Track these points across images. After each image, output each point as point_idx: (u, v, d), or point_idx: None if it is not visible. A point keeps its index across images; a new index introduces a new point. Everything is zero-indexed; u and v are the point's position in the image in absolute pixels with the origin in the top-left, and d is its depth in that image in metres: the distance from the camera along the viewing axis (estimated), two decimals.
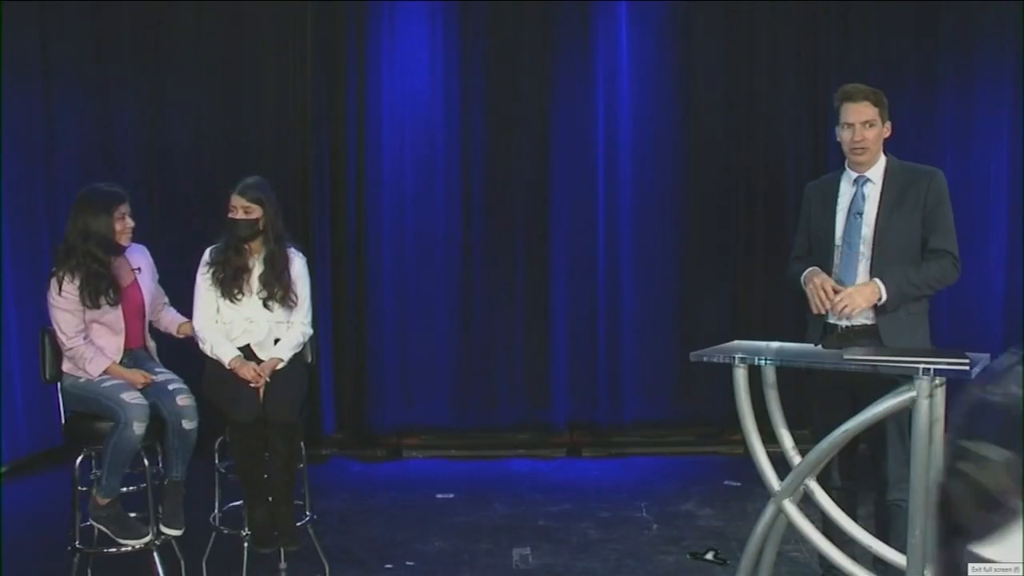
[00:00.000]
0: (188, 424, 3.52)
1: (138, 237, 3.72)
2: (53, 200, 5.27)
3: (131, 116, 5.50)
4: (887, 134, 3.20)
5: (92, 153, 5.42)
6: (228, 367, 3.61)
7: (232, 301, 3.69)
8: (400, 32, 5.61)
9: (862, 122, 3.14)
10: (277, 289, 3.70)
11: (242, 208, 3.66)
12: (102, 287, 3.50)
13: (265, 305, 3.71)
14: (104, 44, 5.46)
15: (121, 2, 5.40)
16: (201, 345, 3.69)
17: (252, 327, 3.71)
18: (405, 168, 5.64)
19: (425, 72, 5.62)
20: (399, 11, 5.62)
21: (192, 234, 4.81)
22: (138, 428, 3.39)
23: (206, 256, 3.74)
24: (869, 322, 3.17)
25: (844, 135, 3.18)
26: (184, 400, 3.53)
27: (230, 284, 3.68)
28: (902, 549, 2.83)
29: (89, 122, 5.45)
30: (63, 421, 3.62)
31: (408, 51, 5.62)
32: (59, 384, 3.60)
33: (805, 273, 3.22)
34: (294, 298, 3.75)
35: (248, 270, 3.71)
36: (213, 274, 3.70)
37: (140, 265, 3.72)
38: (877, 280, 3.07)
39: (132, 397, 3.43)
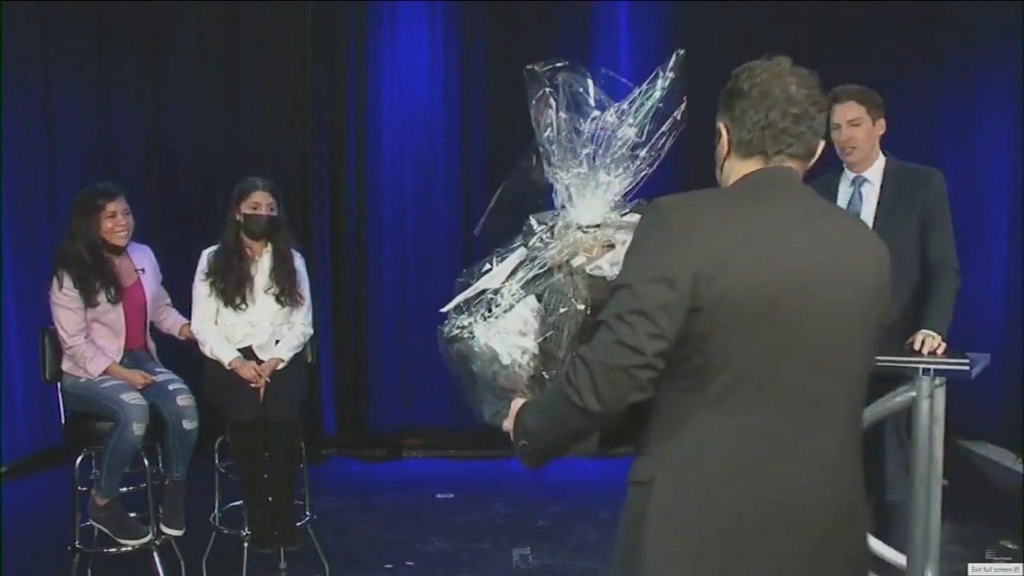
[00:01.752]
0: (188, 424, 3.52)
1: (138, 237, 3.73)
2: (53, 200, 5.27)
3: (131, 116, 5.50)
4: (880, 132, 3.20)
5: (92, 153, 5.42)
6: (228, 367, 3.61)
7: (235, 310, 3.69)
8: (400, 32, 5.61)
9: (848, 121, 3.16)
10: (288, 285, 3.72)
11: (266, 204, 3.69)
12: (97, 285, 3.50)
13: (277, 300, 3.71)
14: (104, 44, 5.45)
15: (121, 2, 5.40)
16: (201, 347, 3.69)
17: (254, 331, 3.72)
18: (405, 168, 5.64)
19: (425, 72, 5.62)
20: (399, 11, 5.62)
21: (192, 234, 4.81)
22: (137, 429, 3.39)
23: (203, 263, 3.73)
24: None
25: (833, 136, 3.21)
26: (184, 400, 3.53)
27: (232, 293, 3.67)
28: (901, 549, 2.83)
29: (89, 122, 5.44)
30: (63, 421, 3.62)
31: (408, 51, 5.61)
32: (59, 384, 3.61)
33: None
34: (300, 296, 3.76)
35: (251, 278, 3.71)
36: (212, 284, 3.69)
37: (144, 266, 3.73)
38: (930, 332, 2.92)
39: (132, 397, 3.43)
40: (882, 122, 3.20)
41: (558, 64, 1.83)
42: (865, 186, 3.22)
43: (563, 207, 1.85)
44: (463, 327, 1.85)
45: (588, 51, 5.58)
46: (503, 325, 1.78)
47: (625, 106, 1.82)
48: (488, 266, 1.89)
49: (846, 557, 1.60)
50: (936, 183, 3.17)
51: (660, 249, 1.51)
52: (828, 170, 3.41)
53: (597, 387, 1.48)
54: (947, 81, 5.56)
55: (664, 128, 1.82)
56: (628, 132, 1.80)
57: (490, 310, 1.81)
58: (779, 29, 5.50)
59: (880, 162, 3.23)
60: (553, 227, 1.85)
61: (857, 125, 3.16)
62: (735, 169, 1.68)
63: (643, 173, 1.84)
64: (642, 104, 1.82)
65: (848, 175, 3.26)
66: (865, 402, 1.67)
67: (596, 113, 1.81)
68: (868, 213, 3.19)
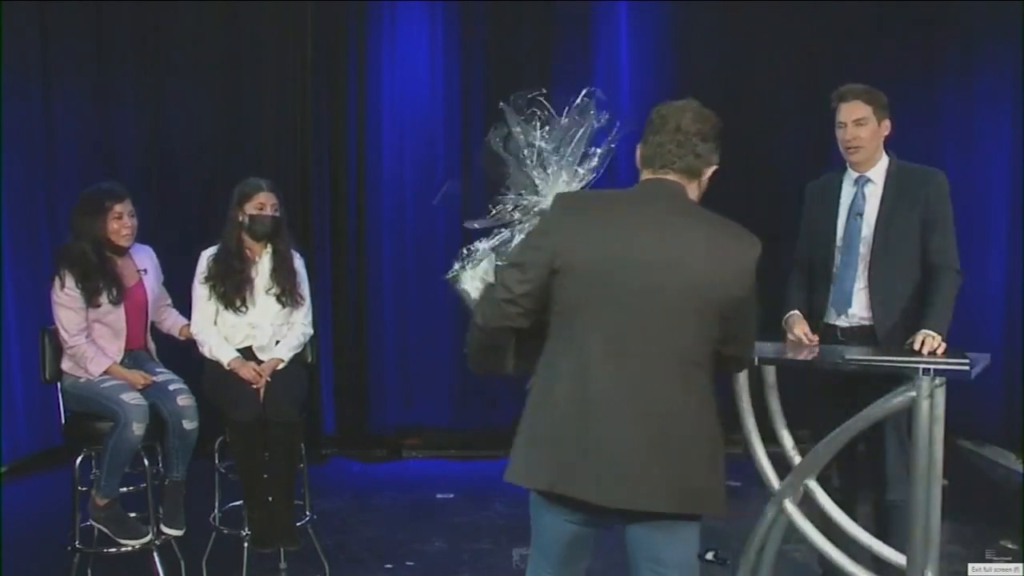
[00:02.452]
0: (188, 424, 3.52)
1: (138, 237, 3.73)
2: (53, 200, 5.26)
3: (131, 116, 5.50)
4: (885, 132, 3.20)
5: (92, 153, 5.41)
6: (228, 367, 3.61)
7: (235, 313, 3.68)
8: (400, 32, 5.61)
9: (853, 120, 3.15)
10: (288, 285, 3.72)
11: (270, 204, 3.69)
12: (100, 285, 3.50)
13: (278, 300, 3.71)
14: (104, 44, 5.45)
15: (121, 2, 5.39)
16: (201, 348, 3.68)
17: (255, 332, 3.71)
18: (405, 168, 5.64)
19: (425, 72, 5.62)
20: (399, 11, 5.62)
21: (192, 234, 4.80)
22: (137, 429, 3.39)
23: (202, 266, 3.71)
24: (867, 323, 3.18)
25: (838, 135, 3.20)
26: (184, 400, 3.53)
27: (232, 296, 3.66)
28: (901, 549, 2.83)
29: (89, 122, 5.44)
30: (63, 421, 3.62)
31: (408, 51, 5.61)
32: (59, 384, 3.60)
33: (786, 318, 3.24)
34: (300, 296, 3.76)
35: (251, 280, 3.70)
36: (212, 287, 3.68)
37: (146, 266, 3.72)
38: (931, 332, 2.91)
39: (132, 398, 3.43)
40: (887, 123, 3.19)
41: (531, 93, 2.72)
42: (868, 186, 3.22)
43: (521, 194, 2.69)
44: (455, 272, 2.71)
45: (588, 51, 5.58)
46: (475, 273, 2.64)
47: (571, 130, 2.62)
48: (500, 234, 2.72)
49: (662, 468, 2.06)
50: (938, 183, 3.16)
51: (541, 228, 2.22)
52: (832, 169, 3.41)
53: (483, 310, 2.20)
54: (947, 81, 5.56)
55: (606, 143, 2.64)
56: (571, 148, 2.63)
57: (469, 261, 2.70)
58: (779, 29, 5.51)
59: (883, 162, 3.22)
60: (527, 208, 2.64)
61: (862, 124, 3.15)
62: (641, 176, 2.24)
63: (593, 176, 2.63)
64: (584, 129, 2.64)
65: (851, 175, 3.26)
66: (700, 355, 2.12)
67: (558, 130, 2.62)
68: (871, 213, 3.19)
